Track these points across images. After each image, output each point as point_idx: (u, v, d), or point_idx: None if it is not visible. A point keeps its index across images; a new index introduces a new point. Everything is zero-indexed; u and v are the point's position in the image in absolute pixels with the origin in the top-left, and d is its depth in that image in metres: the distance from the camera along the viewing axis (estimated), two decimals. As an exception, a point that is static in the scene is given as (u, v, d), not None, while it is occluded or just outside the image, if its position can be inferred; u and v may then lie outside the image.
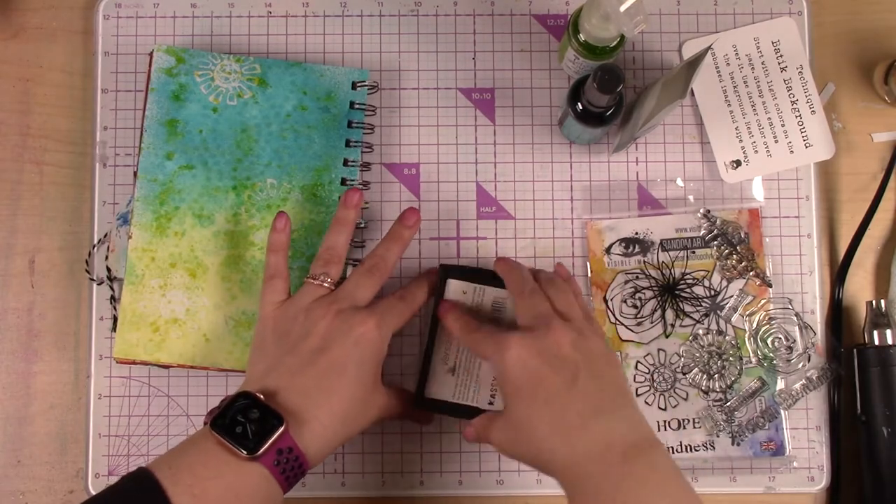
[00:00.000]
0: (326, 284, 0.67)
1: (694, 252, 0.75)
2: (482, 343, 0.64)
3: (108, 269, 0.74)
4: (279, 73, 0.74)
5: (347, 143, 0.74)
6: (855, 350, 0.73)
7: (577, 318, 0.64)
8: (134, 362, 0.72)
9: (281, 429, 0.58)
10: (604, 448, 0.57)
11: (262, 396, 0.59)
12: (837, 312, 0.75)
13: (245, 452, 0.57)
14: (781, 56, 0.77)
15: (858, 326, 0.75)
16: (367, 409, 0.64)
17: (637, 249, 0.75)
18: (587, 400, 0.59)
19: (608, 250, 0.75)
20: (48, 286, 0.75)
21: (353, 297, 0.65)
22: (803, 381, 0.74)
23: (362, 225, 0.75)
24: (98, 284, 0.74)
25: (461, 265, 0.74)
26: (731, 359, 0.74)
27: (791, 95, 0.76)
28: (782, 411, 0.74)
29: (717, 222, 0.75)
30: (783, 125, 0.76)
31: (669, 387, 0.74)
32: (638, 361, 0.74)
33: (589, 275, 0.75)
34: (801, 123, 0.76)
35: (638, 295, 0.74)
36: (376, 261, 0.68)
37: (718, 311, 0.74)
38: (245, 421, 0.58)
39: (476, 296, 0.71)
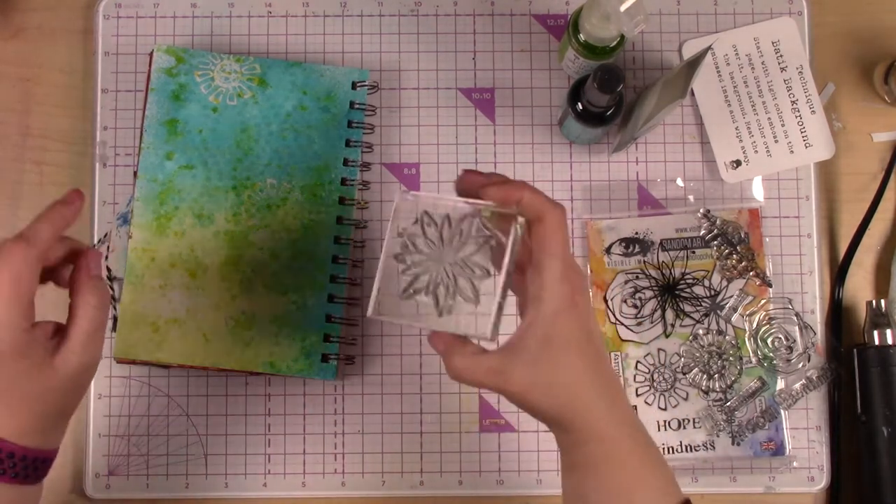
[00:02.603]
0: None
1: (694, 252, 0.75)
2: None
3: (108, 269, 0.74)
4: (279, 73, 0.74)
5: (347, 143, 0.74)
6: (855, 350, 0.73)
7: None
8: (134, 362, 0.72)
9: None
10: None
11: None
12: (837, 312, 0.75)
13: None
14: (781, 56, 0.77)
15: (858, 326, 0.75)
16: (49, 385, 0.55)
17: (637, 249, 0.75)
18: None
19: (608, 250, 0.75)
20: (48, 286, 0.75)
21: None
22: (803, 381, 0.74)
23: (363, 225, 0.75)
24: (98, 284, 0.74)
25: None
26: (731, 359, 0.74)
27: (791, 95, 0.76)
28: (782, 411, 0.74)
29: (717, 222, 0.75)
30: (783, 125, 0.76)
31: (669, 387, 0.74)
32: (638, 361, 0.74)
33: (589, 275, 0.75)
34: (801, 123, 0.76)
35: (638, 295, 0.74)
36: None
37: (718, 311, 0.74)
38: None
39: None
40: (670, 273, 0.75)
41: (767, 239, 0.75)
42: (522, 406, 0.55)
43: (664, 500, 0.53)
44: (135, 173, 0.73)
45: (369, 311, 0.56)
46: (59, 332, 0.57)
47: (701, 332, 0.74)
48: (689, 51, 0.76)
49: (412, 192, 0.56)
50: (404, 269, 0.57)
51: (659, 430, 0.73)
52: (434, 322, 0.56)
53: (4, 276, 0.53)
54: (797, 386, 0.74)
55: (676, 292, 0.74)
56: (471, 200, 0.55)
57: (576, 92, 0.70)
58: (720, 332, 0.74)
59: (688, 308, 0.74)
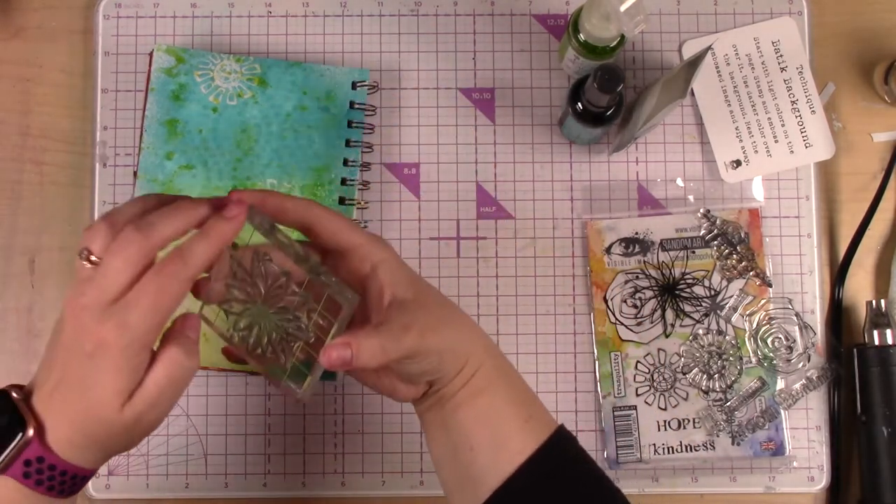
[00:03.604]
0: (85, 261, 0.50)
1: (694, 252, 0.75)
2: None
3: (108, 269, 0.73)
4: (279, 73, 0.74)
5: (347, 143, 0.74)
6: (855, 350, 0.73)
7: None
8: (134, 362, 0.72)
9: (19, 438, 0.49)
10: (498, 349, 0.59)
11: (15, 395, 0.51)
12: (837, 312, 0.75)
13: None
14: (781, 56, 0.77)
15: (858, 326, 0.75)
16: (117, 429, 0.51)
17: (637, 249, 0.75)
18: None
19: (608, 250, 0.75)
20: (48, 286, 0.75)
21: (101, 286, 0.49)
22: (803, 381, 0.74)
23: (363, 225, 0.75)
24: (98, 284, 0.74)
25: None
26: (731, 359, 0.74)
27: (791, 95, 0.76)
28: (782, 411, 0.74)
29: (717, 222, 0.75)
30: (783, 125, 0.76)
31: (669, 387, 0.74)
32: (638, 361, 0.74)
33: (589, 275, 0.75)
34: (801, 123, 0.76)
35: (638, 295, 0.74)
36: (142, 241, 0.49)
37: (718, 311, 0.74)
38: None
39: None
40: (670, 273, 0.75)
41: (767, 239, 0.75)
42: (428, 354, 0.54)
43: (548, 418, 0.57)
44: (135, 173, 0.73)
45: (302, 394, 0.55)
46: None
47: (701, 332, 0.74)
48: (689, 51, 0.76)
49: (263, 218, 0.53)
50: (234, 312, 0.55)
51: (659, 430, 0.73)
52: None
53: (145, 305, 0.49)
54: (797, 386, 0.74)
55: (676, 292, 0.74)
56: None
57: (576, 92, 0.70)
58: (720, 332, 0.74)
59: (688, 308, 0.74)
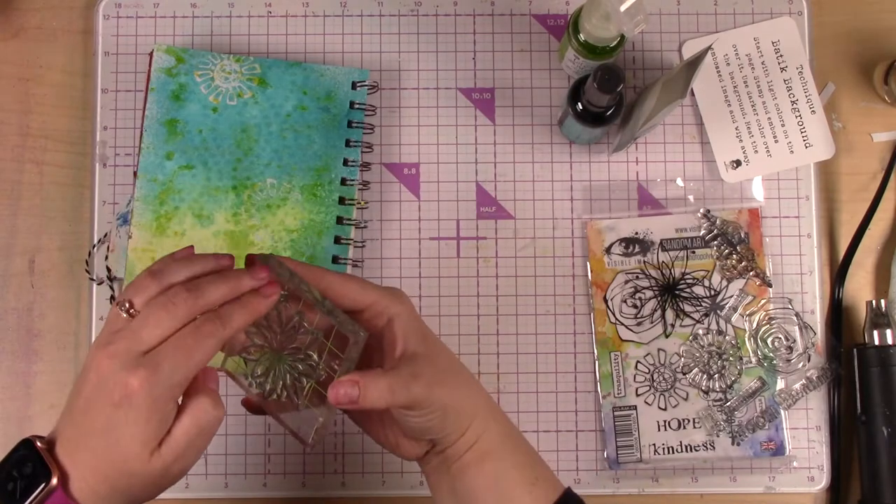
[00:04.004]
0: (124, 312, 0.52)
1: (694, 252, 0.75)
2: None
3: (108, 269, 0.74)
4: (279, 73, 0.74)
5: (347, 143, 0.74)
6: (855, 350, 0.73)
7: None
8: (134, 362, 0.72)
9: (43, 486, 0.49)
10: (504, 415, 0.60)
11: (39, 444, 0.51)
12: (837, 312, 0.75)
13: None
14: (781, 56, 0.77)
15: (858, 326, 0.75)
16: (143, 479, 0.51)
17: (637, 249, 0.75)
18: None
19: (608, 250, 0.75)
20: (48, 286, 0.75)
21: (136, 336, 0.51)
22: (803, 381, 0.74)
23: (363, 225, 0.75)
24: (98, 284, 0.74)
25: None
26: (731, 359, 0.74)
27: (791, 95, 0.76)
28: (782, 411, 0.74)
29: (717, 222, 0.75)
30: (783, 125, 0.76)
31: (669, 387, 0.74)
32: (638, 361, 0.74)
33: (589, 275, 0.75)
34: (801, 123, 0.76)
35: (638, 295, 0.74)
36: (185, 301, 0.51)
37: (718, 311, 0.74)
38: (18, 476, 0.50)
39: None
40: (670, 273, 0.75)
41: (767, 239, 0.75)
42: (429, 408, 0.54)
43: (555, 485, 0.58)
44: (135, 173, 0.73)
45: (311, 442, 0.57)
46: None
47: (701, 332, 0.74)
48: (689, 51, 0.76)
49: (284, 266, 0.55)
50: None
51: (659, 430, 0.73)
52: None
53: (195, 358, 0.51)
54: (797, 386, 0.74)
55: (676, 292, 0.74)
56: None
57: (576, 92, 0.70)
58: (720, 332, 0.74)
59: (688, 308, 0.74)
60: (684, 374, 0.74)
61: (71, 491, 0.50)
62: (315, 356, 0.56)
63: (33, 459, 0.50)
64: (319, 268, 0.56)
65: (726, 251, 0.74)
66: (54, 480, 0.50)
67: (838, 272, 0.75)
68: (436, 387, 0.54)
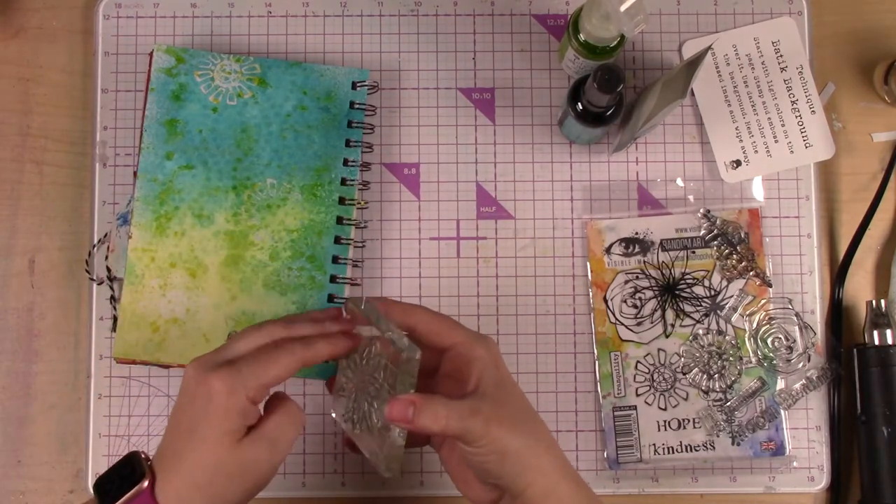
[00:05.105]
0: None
1: (694, 252, 0.75)
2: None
3: (108, 269, 0.74)
4: (279, 73, 0.74)
5: (347, 143, 0.74)
6: (855, 350, 0.73)
7: None
8: (134, 362, 0.72)
9: (136, 487, 0.54)
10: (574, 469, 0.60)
11: (144, 454, 0.57)
12: (837, 312, 0.75)
13: None
14: (781, 56, 0.77)
15: (858, 326, 0.75)
16: (227, 471, 0.55)
17: (637, 249, 0.75)
18: None
19: (608, 250, 0.75)
20: (48, 286, 0.76)
21: (224, 348, 0.58)
22: (803, 381, 0.74)
23: (363, 225, 0.75)
24: (98, 284, 0.74)
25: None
26: (731, 359, 0.74)
27: (791, 95, 0.76)
28: (782, 411, 0.74)
29: (717, 222, 0.75)
30: (783, 125, 0.76)
31: (669, 387, 0.74)
32: (638, 361, 0.74)
33: (589, 275, 0.75)
34: (801, 123, 0.76)
35: (638, 295, 0.74)
36: (279, 329, 0.60)
37: (718, 311, 0.74)
38: (118, 479, 0.56)
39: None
40: (670, 273, 0.75)
41: (767, 239, 0.75)
42: (486, 446, 0.56)
43: None
44: (135, 173, 0.73)
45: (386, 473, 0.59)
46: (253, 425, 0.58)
47: (701, 332, 0.74)
48: (689, 51, 0.76)
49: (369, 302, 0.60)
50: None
51: (659, 430, 0.73)
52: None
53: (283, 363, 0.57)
54: (797, 386, 0.74)
55: (676, 292, 0.74)
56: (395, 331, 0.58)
57: (576, 92, 0.70)
58: (720, 332, 0.74)
59: (688, 308, 0.74)
60: (684, 374, 0.74)
61: (156, 493, 0.54)
62: (381, 378, 0.58)
63: (132, 466, 0.56)
64: (412, 305, 0.61)
65: (726, 251, 0.74)
66: (145, 483, 0.54)
67: (838, 272, 0.75)
68: (494, 426, 0.55)
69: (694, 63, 0.67)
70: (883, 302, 0.73)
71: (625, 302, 0.74)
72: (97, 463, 0.73)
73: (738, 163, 0.76)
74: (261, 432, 0.57)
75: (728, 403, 0.73)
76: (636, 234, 0.75)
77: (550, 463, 0.57)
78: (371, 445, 0.60)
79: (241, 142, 0.73)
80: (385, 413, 0.55)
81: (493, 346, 0.60)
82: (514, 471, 0.56)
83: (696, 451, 0.73)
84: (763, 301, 0.74)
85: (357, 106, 0.74)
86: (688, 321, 0.74)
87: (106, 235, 0.74)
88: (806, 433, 0.74)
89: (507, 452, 0.56)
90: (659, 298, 0.74)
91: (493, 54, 0.77)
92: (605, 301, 0.74)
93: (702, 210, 0.75)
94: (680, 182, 0.76)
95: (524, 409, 0.59)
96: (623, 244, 0.75)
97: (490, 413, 0.56)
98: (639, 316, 0.74)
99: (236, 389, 0.55)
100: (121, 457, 0.58)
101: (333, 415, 0.64)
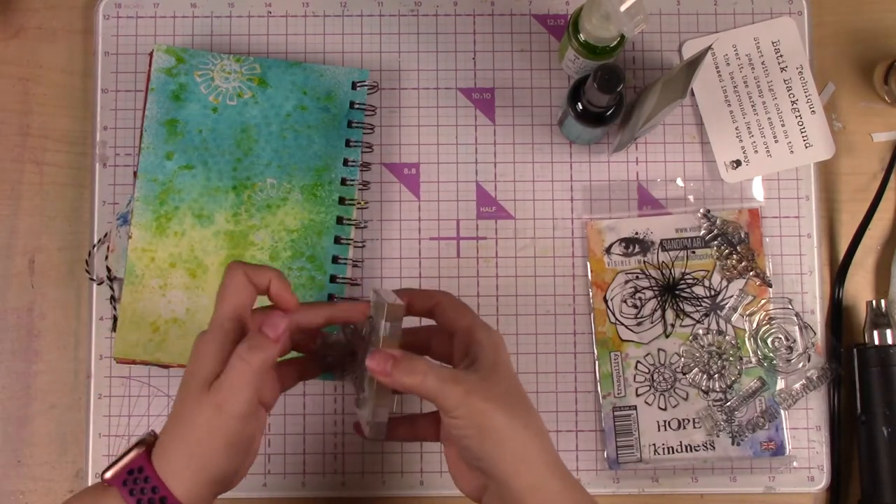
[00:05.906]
0: None
1: (694, 252, 0.75)
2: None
3: (108, 269, 0.74)
4: (279, 73, 0.74)
5: (347, 143, 0.74)
6: (855, 350, 0.73)
7: None
8: (134, 362, 0.72)
9: (133, 452, 0.55)
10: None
11: (155, 432, 0.57)
12: (837, 312, 0.75)
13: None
14: (781, 56, 0.77)
15: (858, 326, 0.75)
16: (201, 423, 0.54)
17: (637, 249, 0.75)
18: None
19: (608, 250, 0.75)
20: (48, 286, 0.76)
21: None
22: (803, 381, 0.74)
23: (363, 225, 0.75)
24: (98, 284, 0.74)
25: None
26: (731, 359, 0.74)
27: (791, 95, 0.76)
28: (782, 411, 0.74)
29: (717, 222, 0.75)
30: (783, 125, 0.76)
31: (669, 387, 0.74)
32: (638, 361, 0.74)
33: (589, 275, 0.75)
34: (801, 123, 0.76)
35: (638, 295, 0.74)
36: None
37: (718, 311, 0.74)
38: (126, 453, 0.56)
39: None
40: (670, 273, 0.75)
41: (767, 239, 0.75)
42: (468, 422, 0.54)
43: None
44: (135, 173, 0.73)
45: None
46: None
47: (701, 332, 0.74)
48: (689, 51, 0.76)
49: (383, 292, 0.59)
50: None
51: (659, 430, 0.73)
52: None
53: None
54: (797, 386, 0.74)
55: (676, 292, 0.74)
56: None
57: (576, 92, 0.70)
58: (720, 332, 0.74)
59: (688, 308, 0.74)
60: (684, 374, 0.74)
61: (151, 455, 0.55)
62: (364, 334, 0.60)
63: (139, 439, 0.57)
64: (437, 290, 0.62)
65: (726, 251, 0.74)
66: (143, 449, 0.55)
67: (838, 272, 0.75)
68: (476, 398, 0.54)
69: (694, 63, 0.67)
70: (883, 302, 0.73)
71: (625, 302, 0.74)
72: (97, 463, 0.73)
73: (738, 163, 0.76)
74: (219, 382, 0.54)
75: (728, 403, 0.73)
76: (636, 234, 0.75)
77: (537, 455, 0.55)
78: (363, 415, 0.60)
79: (241, 142, 0.73)
80: (367, 362, 0.55)
81: (498, 335, 0.59)
82: (494, 451, 0.54)
83: (696, 451, 0.73)
84: (763, 301, 0.74)
85: (357, 106, 0.74)
86: (688, 321, 0.74)
87: (106, 235, 0.74)
88: (806, 433, 0.74)
89: (486, 428, 0.54)
90: (659, 298, 0.74)
91: (493, 54, 0.77)
92: (605, 301, 0.74)
93: (702, 210, 0.75)
94: (680, 182, 0.76)
95: (515, 393, 0.57)
96: (623, 244, 0.75)
97: (474, 385, 0.54)
98: (639, 316, 0.74)
99: (213, 330, 0.56)
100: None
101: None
